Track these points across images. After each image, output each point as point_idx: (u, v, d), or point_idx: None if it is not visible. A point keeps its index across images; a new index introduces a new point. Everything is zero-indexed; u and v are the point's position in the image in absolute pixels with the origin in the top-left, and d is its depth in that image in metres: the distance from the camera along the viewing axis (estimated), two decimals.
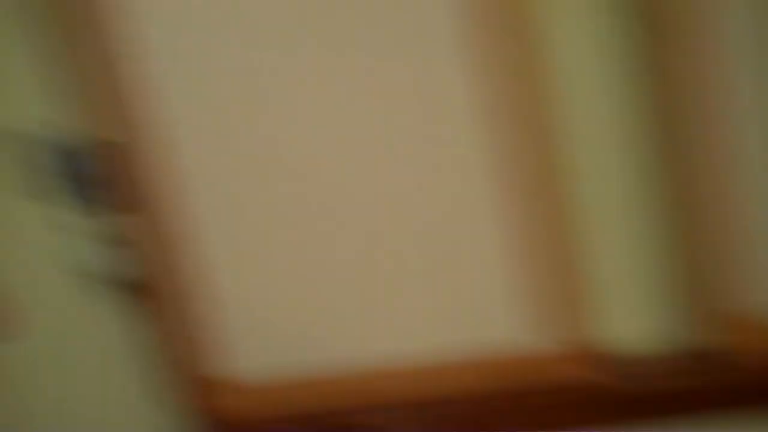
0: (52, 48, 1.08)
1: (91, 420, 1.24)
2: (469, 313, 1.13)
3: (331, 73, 1.05)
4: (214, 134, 1.09)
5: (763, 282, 1.06)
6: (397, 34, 1.02)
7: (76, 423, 1.24)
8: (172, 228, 1.12)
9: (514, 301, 1.11)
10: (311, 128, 1.09)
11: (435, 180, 1.11)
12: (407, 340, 1.14)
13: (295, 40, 1.06)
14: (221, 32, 1.06)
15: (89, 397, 1.22)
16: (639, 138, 1.03)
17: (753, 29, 0.97)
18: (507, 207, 1.08)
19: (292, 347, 1.16)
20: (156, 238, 1.13)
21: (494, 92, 1.02)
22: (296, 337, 1.15)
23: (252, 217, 1.12)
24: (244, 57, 1.07)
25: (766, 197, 1.04)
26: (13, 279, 1.17)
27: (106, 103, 1.09)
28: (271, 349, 1.16)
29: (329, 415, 1.14)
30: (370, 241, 1.12)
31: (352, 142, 1.09)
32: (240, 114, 1.08)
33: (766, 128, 1.03)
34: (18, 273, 1.17)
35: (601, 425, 1.11)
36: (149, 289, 1.15)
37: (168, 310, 1.14)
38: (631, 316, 1.10)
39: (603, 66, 1.00)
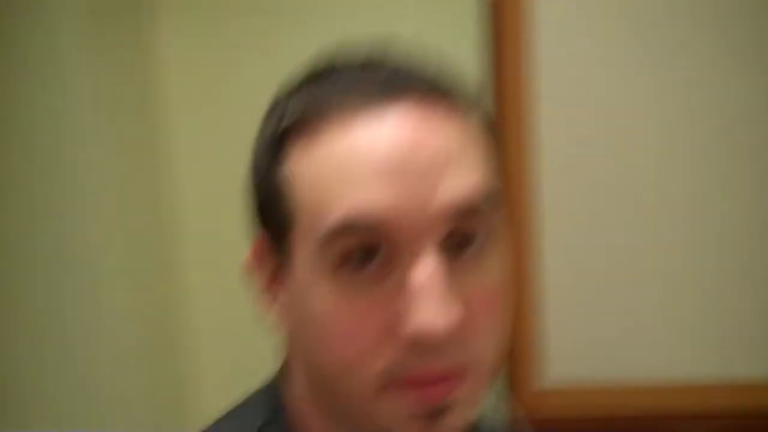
0: None
1: None
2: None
3: None
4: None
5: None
6: None
7: None
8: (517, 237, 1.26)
9: None
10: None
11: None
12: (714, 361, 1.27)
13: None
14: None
15: None
16: None
17: None
18: None
19: (605, 357, 1.28)
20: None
21: None
22: (609, 348, 1.28)
23: (592, 240, 1.25)
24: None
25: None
26: None
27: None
28: (584, 357, 1.29)
29: (632, 421, 1.27)
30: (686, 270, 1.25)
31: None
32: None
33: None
34: None
35: None
36: None
37: None
38: None
39: None
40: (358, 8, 1.39)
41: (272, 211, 0.47)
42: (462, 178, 0.44)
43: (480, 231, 0.45)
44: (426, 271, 0.42)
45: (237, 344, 1.46)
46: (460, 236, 0.44)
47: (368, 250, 0.43)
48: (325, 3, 1.40)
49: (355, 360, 0.44)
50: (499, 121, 1.26)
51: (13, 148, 1.27)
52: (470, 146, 0.45)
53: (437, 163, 0.43)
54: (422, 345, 0.42)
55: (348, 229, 0.42)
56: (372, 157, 0.42)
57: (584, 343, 1.29)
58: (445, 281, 0.42)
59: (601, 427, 1.26)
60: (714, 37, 1.23)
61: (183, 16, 1.44)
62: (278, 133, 0.46)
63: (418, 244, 0.43)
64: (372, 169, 0.42)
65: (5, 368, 1.26)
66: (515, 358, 1.29)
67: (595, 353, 1.29)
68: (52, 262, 1.26)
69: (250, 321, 1.48)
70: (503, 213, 0.47)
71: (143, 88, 1.44)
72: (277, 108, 0.48)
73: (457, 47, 1.28)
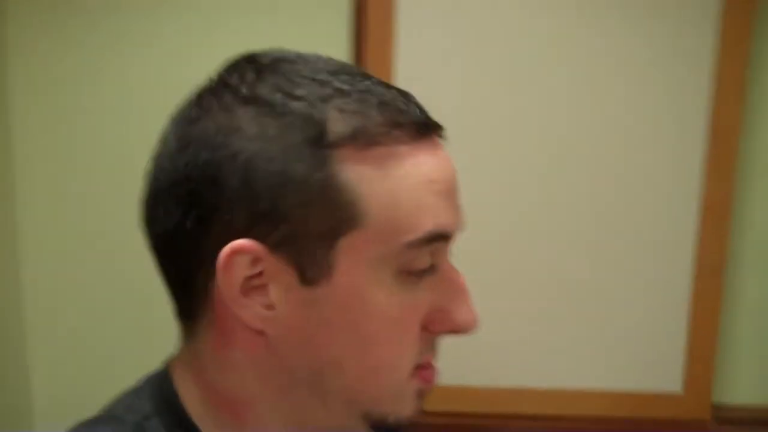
0: None
1: None
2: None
3: None
4: None
5: None
6: None
7: None
8: None
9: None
10: None
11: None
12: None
13: None
14: None
15: None
16: None
17: None
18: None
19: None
20: None
21: None
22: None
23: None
24: None
25: None
26: None
27: None
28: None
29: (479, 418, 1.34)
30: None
31: None
32: None
33: None
34: None
35: None
36: None
37: None
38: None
39: None
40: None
41: (305, 217, 0.49)
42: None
43: None
44: (462, 275, 0.54)
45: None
46: None
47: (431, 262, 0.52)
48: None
49: (404, 354, 0.52)
50: None
51: None
52: None
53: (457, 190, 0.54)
54: (452, 335, 0.54)
55: (433, 239, 0.51)
56: (440, 186, 0.51)
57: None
58: None
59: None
60: (587, 35, 1.28)
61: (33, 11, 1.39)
62: (323, 143, 0.49)
63: (448, 254, 0.54)
64: (442, 195, 0.51)
65: None
66: None
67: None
68: None
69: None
70: None
71: None
72: (300, 116, 0.49)
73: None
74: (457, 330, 0.54)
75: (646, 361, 1.35)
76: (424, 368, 0.55)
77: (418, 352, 0.53)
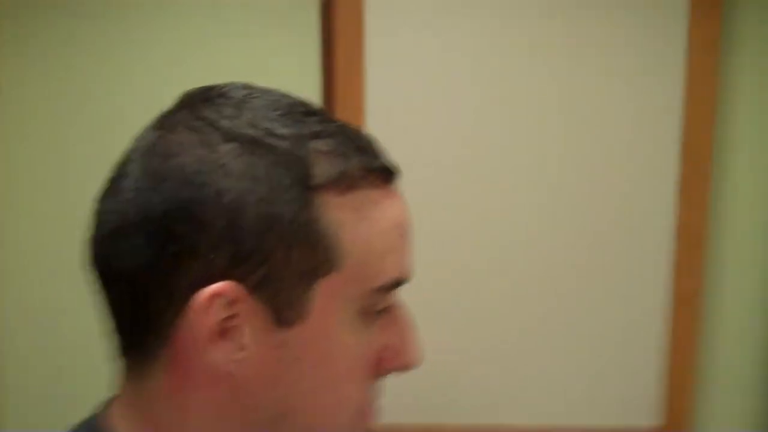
0: None
1: None
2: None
3: None
4: None
5: None
6: None
7: None
8: None
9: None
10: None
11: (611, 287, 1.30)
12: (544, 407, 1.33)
13: None
14: None
15: None
16: None
17: None
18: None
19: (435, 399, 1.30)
20: None
21: None
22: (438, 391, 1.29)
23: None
24: None
25: None
26: None
27: None
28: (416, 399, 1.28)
29: None
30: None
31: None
32: None
33: None
34: None
35: None
36: None
37: None
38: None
39: None
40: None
41: (286, 258, 0.49)
42: None
43: None
44: (409, 313, 0.54)
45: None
46: None
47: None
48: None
49: (363, 392, 0.54)
50: None
51: None
52: None
53: None
54: (398, 372, 0.55)
55: (399, 284, 0.53)
56: (403, 230, 0.54)
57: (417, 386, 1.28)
58: None
59: None
60: (562, 55, 1.29)
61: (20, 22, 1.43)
62: (309, 185, 0.49)
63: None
64: (405, 239, 0.54)
65: None
66: None
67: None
68: None
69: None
70: None
71: None
72: (285, 156, 0.49)
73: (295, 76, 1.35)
74: (406, 367, 0.55)
75: (624, 395, 1.32)
76: (370, 405, 0.56)
77: (367, 391, 0.55)
